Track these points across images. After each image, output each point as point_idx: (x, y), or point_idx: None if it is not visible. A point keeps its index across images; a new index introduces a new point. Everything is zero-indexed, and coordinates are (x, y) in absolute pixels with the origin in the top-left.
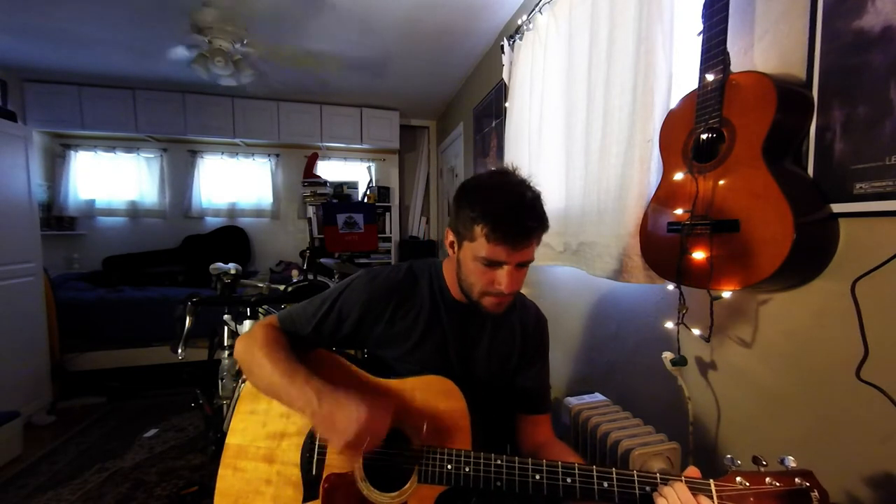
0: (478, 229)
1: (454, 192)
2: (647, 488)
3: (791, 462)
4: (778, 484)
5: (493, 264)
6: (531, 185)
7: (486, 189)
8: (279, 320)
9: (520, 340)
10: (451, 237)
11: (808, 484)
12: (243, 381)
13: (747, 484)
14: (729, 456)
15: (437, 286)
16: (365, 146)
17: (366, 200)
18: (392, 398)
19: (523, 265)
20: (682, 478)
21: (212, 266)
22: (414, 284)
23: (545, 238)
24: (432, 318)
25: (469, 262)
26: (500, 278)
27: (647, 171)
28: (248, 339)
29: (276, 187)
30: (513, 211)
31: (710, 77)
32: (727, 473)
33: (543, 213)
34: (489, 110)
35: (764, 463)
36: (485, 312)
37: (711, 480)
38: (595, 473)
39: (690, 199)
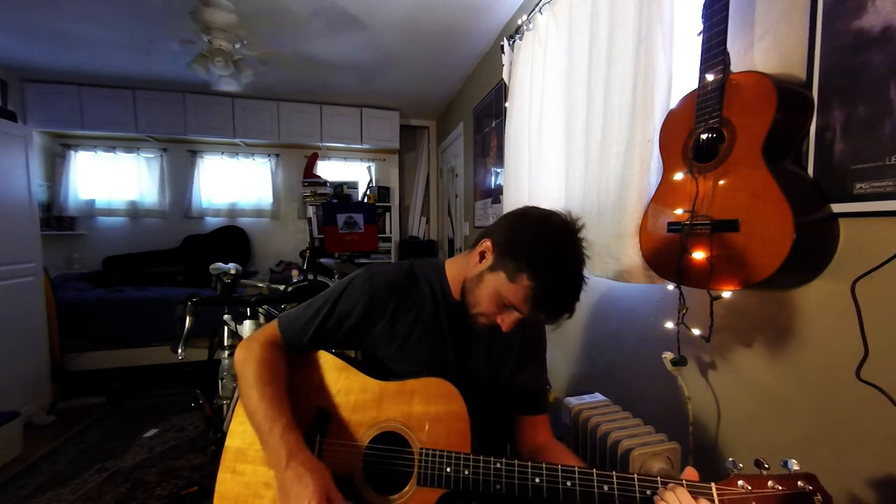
0: (523, 279)
1: (518, 214)
2: (648, 492)
3: (794, 465)
4: (780, 487)
5: (510, 308)
6: (586, 251)
7: (554, 250)
8: (281, 332)
9: (518, 340)
10: (488, 248)
11: (811, 487)
12: None
13: (749, 487)
14: (731, 459)
15: (438, 286)
16: (365, 146)
17: (366, 200)
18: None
19: None
20: (684, 481)
21: (212, 266)
22: (415, 283)
23: None
24: (432, 318)
25: (490, 288)
26: (507, 319)
27: (647, 171)
28: (247, 356)
29: (276, 187)
30: (565, 296)
31: (710, 77)
32: (729, 477)
33: (580, 296)
34: (489, 110)
35: (766, 466)
36: (471, 323)
37: (713, 484)
38: (595, 477)
39: (690, 199)
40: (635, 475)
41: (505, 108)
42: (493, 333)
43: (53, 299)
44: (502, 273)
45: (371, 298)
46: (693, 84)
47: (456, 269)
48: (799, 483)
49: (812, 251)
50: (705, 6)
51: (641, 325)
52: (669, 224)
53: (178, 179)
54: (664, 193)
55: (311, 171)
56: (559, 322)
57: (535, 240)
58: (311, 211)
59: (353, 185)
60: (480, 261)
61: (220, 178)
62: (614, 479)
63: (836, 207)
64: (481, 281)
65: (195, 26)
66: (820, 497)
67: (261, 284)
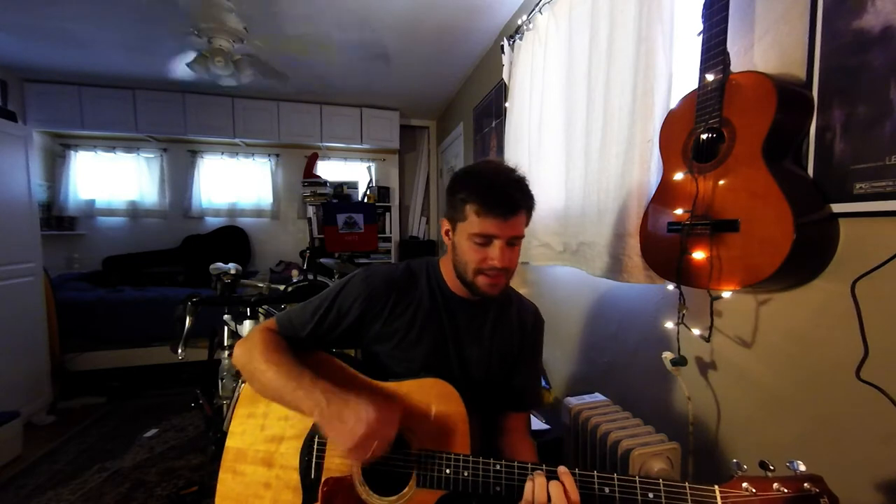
0: (468, 208)
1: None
2: (650, 494)
3: (800, 466)
4: (786, 490)
5: (485, 240)
6: (517, 170)
7: (475, 173)
8: (277, 324)
9: (518, 336)
10: (446, 225)
11: (817, 489)
12: (243, 382)
13: (753, 490)
14: (735, 460)
15: (435, 281)
16: (365, 146)
17: (366, 200)
18: (399, 402)
19: (514, 241)
20: (687, 485)
21: (212, 266)
22: (412, 280)
23: (545, 238)
24: (431, 314)
25: (463, 243)
26: (493, 253)
27: (647, 171)
28: (247, 344)
29: (276, 187)
30: (498, 185)
31: (710, 77)
32: (732, 479)
33: (529, 190)
34: (489, 110)
35: (771, 468)
36: (482, 296)
37: (716, 486)
38: (596, 479)
39: (690, 199)
40: (636, 477)
41: (505, 108)
42: (495, 328)
43: (53, 299)
44: (459, 224)
45: (369, 296)
46: (693, 84)
47: (447, 262)
48: (805, 485)
49: (812, 251)
50: (705, 6)
51: (641, 325)
52: (669, 224)
53: (178, 179)
54: (664, 193)
55: (311, 171)
56: (516, 211)
57: (458, 180)
58: (311, 211)
59: (353, 185)
60: (448, 237)
61: (220, 178)
62: (615, 481)
63: (836, 207)
64: (456, 247)
65: (195, 26)
66: (826, 499)
67: (261, 284)
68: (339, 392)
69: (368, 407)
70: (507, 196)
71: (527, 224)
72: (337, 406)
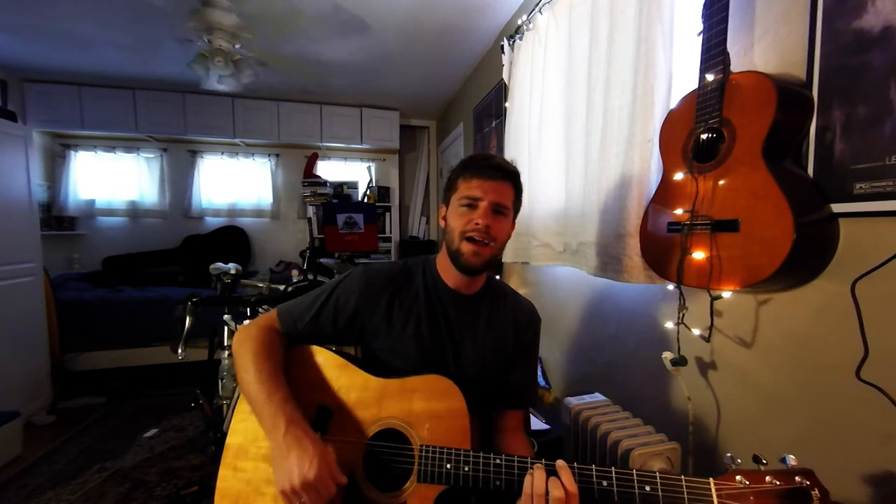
0: (458, 180)
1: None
2: (647, 487)
3: (792, 461)
4: (778, 483)
5: (471, 202)
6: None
7: (466, 157)
8: (279, 317)
9: (511, 332)
10: (442, 210)
11: (808, 482)
12: None
13: (747, 482)
14: (729, 454)
15: (430, 277)
16: (365, 146)
17: (366, 200)
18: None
19: (499, 209)
20: (682, 477)
21: (212, 266)
22: (409, 277)
23: (545, 238)
24: (427, 308)
25: (453, 214)
26: (476, 214)
27: (647, 171)
28: (245, 336)
29: (276, 187)
30: (483, 155)
31: (710, 77)
32: (727, 472)
33: (514, 166)
34: (489, 110)
35: (764, 462)
36: (465, 268)
37: (711, 479)
38: (594, 472)
39: (690, 198)
40: (634, 470)
41: (505, 108)
42: (489, 324)
43: (53, 299)
44: (451, 198)
45: (366, 290)
46: (693, 84)
47: (442, 258)
48: (796, 478)
49: (812, 251)
50: (705, 6)
51: (641, 325)
52: (669, 224)
53: (178, 179)
54: (664, 193)
55: (311, 171)
56: (498, 174)
57: (454, 168)
58: (311, 211)
59: (353, 185)
60: (445, 221)
61: (220, 178)
62: (613, 475)
63: (836, 207)
64: (448, 221)
65: (195, 26)
66: (817, 492)
67: (261, 284)
68: (300, 426)
69: (314, 460)
70: (491, 159)
71: (516, 205)
72: (290, 441)
